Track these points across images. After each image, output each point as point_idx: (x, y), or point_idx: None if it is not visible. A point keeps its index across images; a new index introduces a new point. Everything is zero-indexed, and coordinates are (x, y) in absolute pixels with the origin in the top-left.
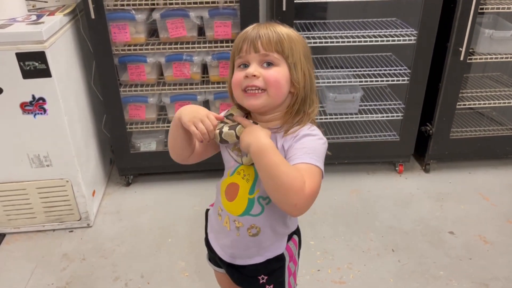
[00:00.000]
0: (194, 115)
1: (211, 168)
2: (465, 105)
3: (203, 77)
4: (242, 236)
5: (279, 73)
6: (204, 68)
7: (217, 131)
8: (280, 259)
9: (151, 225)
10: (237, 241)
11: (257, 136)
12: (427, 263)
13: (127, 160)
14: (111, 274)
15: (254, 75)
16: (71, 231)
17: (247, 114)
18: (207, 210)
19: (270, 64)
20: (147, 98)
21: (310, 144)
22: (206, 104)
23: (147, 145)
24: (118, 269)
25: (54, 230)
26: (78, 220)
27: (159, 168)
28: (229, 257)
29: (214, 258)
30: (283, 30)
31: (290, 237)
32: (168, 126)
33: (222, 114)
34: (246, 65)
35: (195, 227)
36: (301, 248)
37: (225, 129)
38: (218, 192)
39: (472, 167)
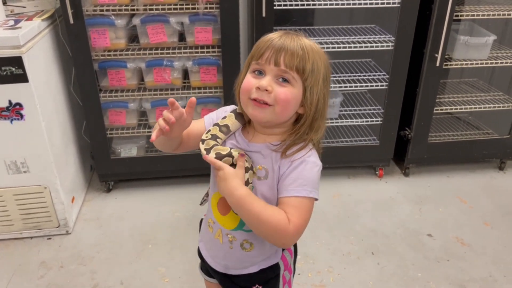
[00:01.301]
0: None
1: (192, 174)
2: (442, 110)
3: (184, 83)
4: (235, 250)
5: (292, 93)
6: (185, 74)
7: (203, 149)
8: (274, 268)
9: (131, 232)
10: (230, 254)
11: (232, 187)
12: (406, 266)
13: (107, 166)
14: (90, 282)
15: (267, 90)
16: (49, 239)
17: (246, 122)
18: (202, 220)
19: (285, 80)
20: (127, 104)
21: (305, 173)
22: None
23: (128, 151)
24: (97, 277)
25: (31, 237)
26: (57, 227)
27: (140, 174)
28: (222, 268)
29: (206, 267)
30: (309, 46)
31: None
32: (149, 132)
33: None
34: (260, 72)
35: (176, 233)
36: None
37: (212, 154)
38: (209, 204)
39: (450, 170)
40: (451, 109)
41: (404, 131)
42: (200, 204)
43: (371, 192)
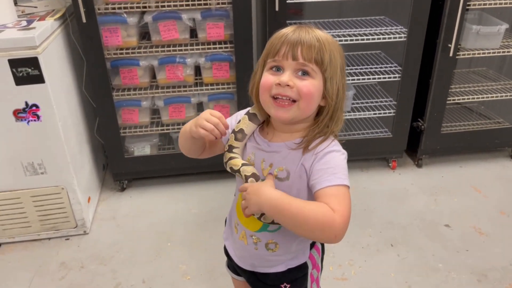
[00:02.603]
0: (196, 121)
1: (207, 170)
2: (454, 100)
3: (197, 79)
4: (261, 251)
5: (314, 86)
6: (197, 70)
7: (226, 158)
8: (302, 267)
9: (149, 230)
10: (256, 255)
11: (264, 194)
12: (426, 257)
13: (121, 165)
14: (112, 281)
15: (288, 85)
16: (68, 239)
17: (262, 122)
18: (226, 218)
19: (305, 73)
20: (140, 102)
21: (333, 162)
22: (200, 106)
23: (141, 149)
24: (118, 276)
25: (50, 238)
26: (74, 228)
27: (154, 172)
28: (249, 266)
29: (233, 266)
30: (324, 38)
31: (312, 245)
32: (162, 130)
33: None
34: (278, 69)
35: (194, 230)
36: None
37: (227, 168)
38: (233, 204)
39: (463, 160)
40: (463, 99)
41: (417, 122)
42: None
43: (385, 184)
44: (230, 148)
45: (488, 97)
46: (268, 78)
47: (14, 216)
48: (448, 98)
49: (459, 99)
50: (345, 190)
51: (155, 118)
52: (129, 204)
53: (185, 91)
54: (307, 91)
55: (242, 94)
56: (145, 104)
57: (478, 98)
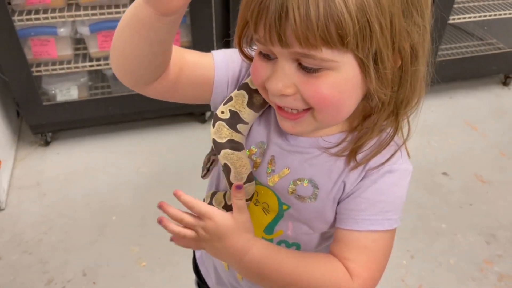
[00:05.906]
0: None
1: (155, 116)
2: (454, 19)
3: None
4: (246, 286)
5: (333, 86)
6: None
7: (212, 137)
8: None
9: (86, 199)
10: (241, 287)
11: (236, 250)
12: (426, 216)
13: (39, 115)
14: (41, 276)
15: (284, 94)
16: None
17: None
18: None
19: (309, 69)
20: (55, 29)
21: (393, 191)
22: None
23: (66, 93)
24: (49, 268)
25: None
26: None
27: (85, 121)
28: None
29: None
30: None
31: None
32: (92, 66)
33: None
34: (269, 55)
35: (145, 196)
36: None
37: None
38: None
39: (452, 90)
40: (468, 17)
41: None
42: (203, 177)
43: None
44: (234, 120)
45: (491, 16)
46: (258, 68)
47: None
48: (453, 17)
49: (464, 17)
50: (388, 238)
51: (81, 49)
52: (57, 163)
53: (118, 12)
54: (321, 99)
55: (200, 16)
56: (63, 32)
57: (481, 17)
